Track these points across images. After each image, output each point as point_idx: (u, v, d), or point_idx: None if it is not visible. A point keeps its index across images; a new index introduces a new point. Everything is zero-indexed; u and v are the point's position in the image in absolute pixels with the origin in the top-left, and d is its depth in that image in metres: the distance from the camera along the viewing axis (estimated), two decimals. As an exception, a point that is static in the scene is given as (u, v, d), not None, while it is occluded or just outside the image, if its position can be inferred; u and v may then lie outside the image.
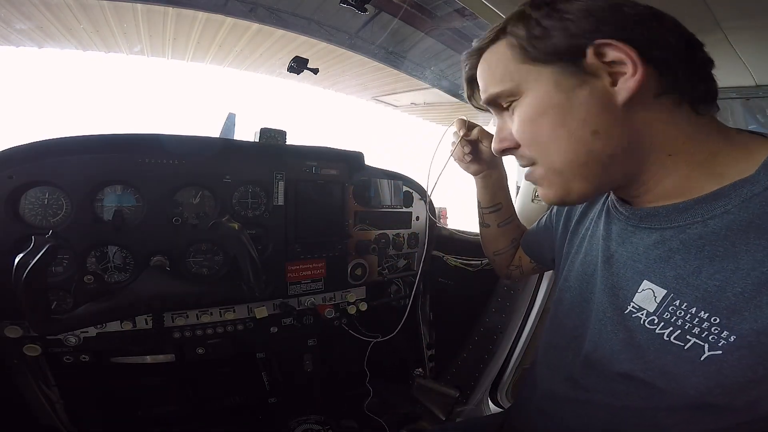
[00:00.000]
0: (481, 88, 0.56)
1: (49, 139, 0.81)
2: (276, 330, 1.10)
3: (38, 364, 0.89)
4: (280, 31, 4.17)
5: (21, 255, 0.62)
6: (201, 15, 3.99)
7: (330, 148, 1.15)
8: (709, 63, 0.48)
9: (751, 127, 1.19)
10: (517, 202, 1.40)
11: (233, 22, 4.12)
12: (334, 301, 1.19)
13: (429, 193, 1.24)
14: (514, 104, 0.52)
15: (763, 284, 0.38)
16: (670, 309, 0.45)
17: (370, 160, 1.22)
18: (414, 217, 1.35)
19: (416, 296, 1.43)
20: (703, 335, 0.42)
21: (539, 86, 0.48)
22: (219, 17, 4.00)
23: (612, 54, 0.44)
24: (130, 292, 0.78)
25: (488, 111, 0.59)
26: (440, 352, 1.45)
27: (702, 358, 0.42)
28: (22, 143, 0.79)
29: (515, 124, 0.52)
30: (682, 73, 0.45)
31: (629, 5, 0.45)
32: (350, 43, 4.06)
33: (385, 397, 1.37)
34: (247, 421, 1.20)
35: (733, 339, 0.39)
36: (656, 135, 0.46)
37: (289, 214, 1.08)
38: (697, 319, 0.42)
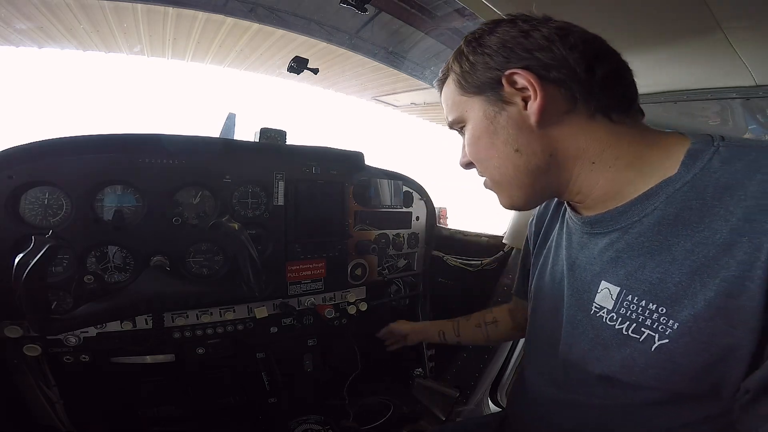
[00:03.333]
0: (446, 116, 0.65)
1: (49, 139, 0.81)
2: (276, 330, 1.10)
3: (38, 364, 0.89)
4: (280, 31, 4.16)
5: (21, 255, 0.63)
6: (201, 15, 3.99)
7: (330, 148, 1.15)
8: (619, 73, 0.52)
9: (750, 128, 1.20)
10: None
11: (233, 22, 4.11)
12: (334, 301, 1.19)
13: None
14: (464, 128, 0.60)
15: (694, 272, 0.42)
16: (624, 304, 0.49)
17: (370, 160, 1.22)
18: (414, 217, 1.35)
19: (416, 296, 1.43)
20: (654, 326, 0.45)
21: (473, 115, 0.56)
22: (219, 17, 3.99)
23: (520, 81, 0.50)
24: (130, 292, 0.78)
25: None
26: (440, 352, 1.45)
27: (653, 348, 0.45)
28: (22, 143, 0.79)
29: (465, 145, 0.61)
30: (580, 90, 0.49)
31: (539, 30, 0.51)
32: (350, 43, 4.06)
33: (385, 397, 1.37)
34: (247, 421, 1.20)
35: (676, 326, 0.43)
36: (575, 146, 0.51)
37: (289, 214, 1.08)
38: (648, 311, 0.46)
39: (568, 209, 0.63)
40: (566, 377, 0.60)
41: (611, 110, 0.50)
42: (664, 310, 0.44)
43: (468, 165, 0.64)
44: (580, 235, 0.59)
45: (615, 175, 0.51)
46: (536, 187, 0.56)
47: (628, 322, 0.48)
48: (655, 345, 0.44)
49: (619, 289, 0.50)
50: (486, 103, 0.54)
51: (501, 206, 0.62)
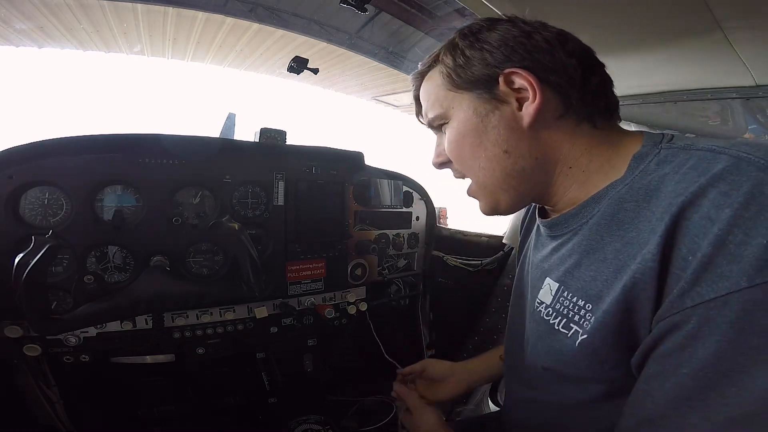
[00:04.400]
0: (423, 111, 0.62)
1: (49, 139, 0.81)
2: (276, 330, 1.10)
3: (38, 364, 0.89)
4: (280, 31, 4.17)
5: (21, 255, 0.63)
6: (201, 15, 3.99)
7: (330, 148, 1.15)
8: (607, 82, 0.54)
9: (750, 128, 1.20)
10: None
11: (233, 22, 4.12)
12: (334, 301, 1.19)
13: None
14: (444, 126, 0.58)
15: (618, 270, 0.43)
16: (560, 300, 0.50)
17: (370, 160, 1.22)
18: (414, 217, 1.35)
19: (416, 296, 1.43)
20: (580, 321, 0.46)
21: (461, 112, 0.54)
22: (219, 17, 4.00)
23: (518, 81, 0.49)
24: (130, 292, 0.78)
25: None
26: (440, 352, 1.45)
27: (576, 343, 0.46)
28: (22, 143, 0.79)
29: (446, 143, 0.58)
30: (576, 96, 0.50)
31: (541, 32, 0.51)
32: (350, 43, 4.06)
33: (386, 397, 1.37)
34: (247, 421, 1.20)
35: (593, 321, 0.45)
36: (559, 151, 0.52)
37: (289, 214, 1.08)
38: (577, 307, 0.47)
39: (537, 212, 0.64)
40: (529, 373, 0.61)
41: (597, 117, 0.52)
42: (590, 307, 0.45)
43: (443, 165, 0.62)
44: (542, 236, 0.61)
45: (585, 179, 0.52)
46: (520, 190, 0.55)
47: (560, 318, 0.49)
48: (578, 340, 0.46)
49: (558, 285, 0.52)
50: (477, 100, 0.53)
51: (481, 213, 0.61)
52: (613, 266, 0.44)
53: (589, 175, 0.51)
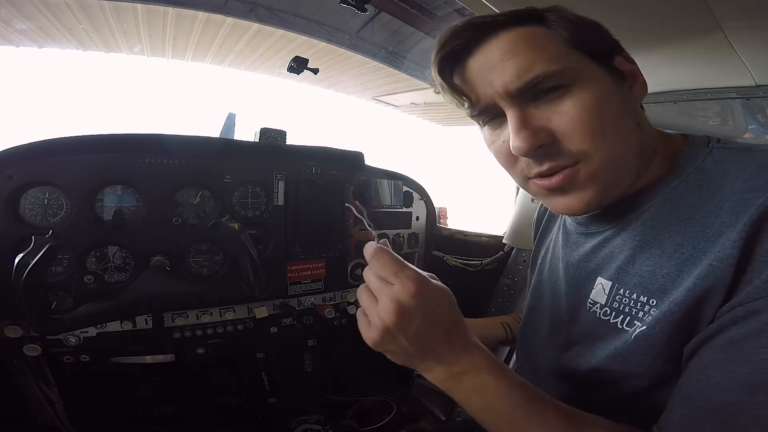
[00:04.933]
0: (516, 66, 0.44)
1: (49, 139, 0.81)
2: (276, 330, 1.10)
3: (38, 364, 0.89)
4: (280, 31, 4.16)
5: (21, 255, 0.63)
6: (201, 15, 3.99)
7: (330, 148, 1.15)
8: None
9: (750, 128, 1.20)
10: (517, 203, 1.40)
11: (233, 22, 4.11)
12: (334, 301, 1.19)
13: None
14: (561, 91, 0.44)
15: (683, 263, 0.42)
16: (617, 298, 0.49)
17: (370, 160, 1.22)
18: (414, 217, 1.35)
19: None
20: (644, 317, 0.45)
21: (596, 76, 0.45)
22: (219, 17, 3.99)
23: (626, 65, 0.49)
24: (131, 292, 0.78)
25: (462, 98, 0.49)
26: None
27: (633, 336, 0.46)
28: (22, 143, 0.79)
29: (569, 113, 0.44)
30: (642, 78, 0.50)
31: (596, 23, 0.50)
32: (350, 43, 4.06)
33: (385, 397, 1.37)
34: (247, 421, 1.20)
35: (655, 313, 0.44)
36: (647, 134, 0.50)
37: (289, 214, 1.08)
38: (639, 303, 0.46)
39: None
40: (559, 375, 0.60)
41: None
42: (654, 302, 0.45)
43: (540, 146, 0.45)
44: (576, 235, 0.59)
45: (641, 170, 0.49)
46: (634, 173, 0.48)
47: (621, 316, 0.48)
48: (635, 333, 0.45)
49: (611, 283, 0.50)
50: (608, 69, 0.47)
51: (576, 208, 0.48)
52: (675, 260, 0.43)
53: (647, 164, 0.50)
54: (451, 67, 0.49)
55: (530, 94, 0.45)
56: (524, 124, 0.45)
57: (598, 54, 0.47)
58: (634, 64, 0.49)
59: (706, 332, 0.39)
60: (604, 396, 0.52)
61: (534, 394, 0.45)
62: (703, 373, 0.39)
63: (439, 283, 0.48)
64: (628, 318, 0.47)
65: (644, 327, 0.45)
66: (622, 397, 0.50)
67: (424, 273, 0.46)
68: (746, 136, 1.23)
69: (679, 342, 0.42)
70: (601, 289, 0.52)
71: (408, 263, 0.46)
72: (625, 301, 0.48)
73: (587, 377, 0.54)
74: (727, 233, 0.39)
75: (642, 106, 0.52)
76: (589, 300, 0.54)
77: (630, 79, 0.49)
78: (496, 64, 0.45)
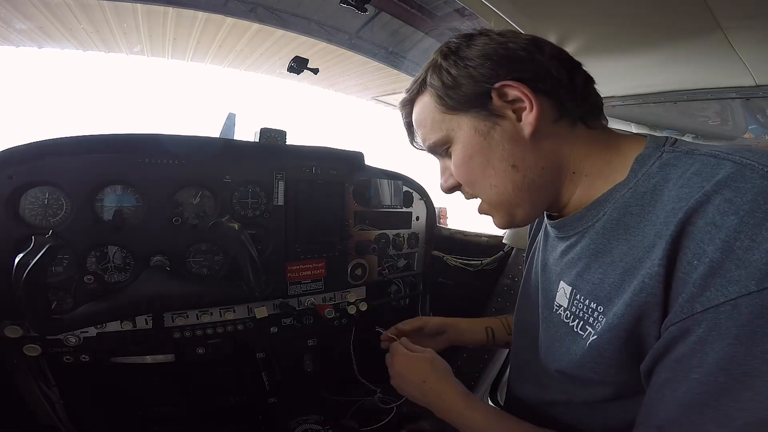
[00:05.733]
0: (420, 138, 0.61)
1: (49, 139, 0.81)
2: (276, 330, 1.10)
3: (38, 364, 0.89)
4: (280, 31, 4.17)
5: (21, 255, 0.62)
6: (201, 15, 3.99)
7: (330, 148, 1.15)
8: (590, 80, 0.54)
9: (751, 128, 1.20)
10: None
11: (233, 22, 4.12)
12: (334, 301, 1.19)
13: None
14: (448, 150, 0.57)
15: (625, 272, 0.43)
16: (575, 303, 0.51)
17: (370, 160, 1.22)
18: (414, 217, 1.35)
19: (416, 296, 1.42)
20: (594, 323, 0.47)
21: (462, 133, 0.54)
22: (219, 17, 4.00)
23: (511, 93, 0.49)
24: (130, 292, 0.78)
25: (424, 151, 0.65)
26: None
27: (587, 345, 0.47)
28: (22, 143, 0.79)
29: (453, 167, 0.57)
30: (568, 98, 0.51)
31: (514, 41, 0.51)
32: (350, 43, 4.06)
33: (386, 397, 1.37)
34: (247, 421, 1.20)
35: (603, 322, 0.45)
36: (561, 157, 0.52)
37: (289, 214, 1.08)
38: (590, 309, 0.48)
39: (545, 213, 0.64)
40: (542, 375, 0.61)
41: (588, 117, 0.52)
42: (602, 309, 0.46)
43: (453, 189, 0.62)
44: (552, 238, 0.61)
45: (589, 183, 0.52)
46: (533, 202, 0.55)
47: (577, 320, 0.50)
48: (589, 341, 0.47)
49: (571, 288, 0.52)
50: (475, 119, 0.52)
51: (497, 227, 0.61)
52: (620, 269, 0.44)
53: (592, 179, 0.52)
54: (411, 130, 0.65)
55: (437, 152, 0.60)
56: (442, 171, 0.63)
57: (469, 103, 0.52)
58: (521, 87, 0.48)
59: (655, 350, 0.40)
60: (578, 399, 0.54)
61: (495, 416, 0.61)
62: (658, 391, 0.39)
63: (421, 355, 0.76)
64: (582, 322, 0.49)
65: (595, 336, 0.46)
66: (594, 403, 0.51)
67: (415, 350, 0.79)
68: (746, 136, 1.23)
69: (628, 355, 0.43)
70: (563, 293, 0.54)
71: (403, 349, 0.78)
72: (581, 306, 0.50)
73: (558, 379, 0.56)
74: (658, 246, 0.39)
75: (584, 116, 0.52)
76: (556, 302, 0.56)
77: (517, 107, 0.50)
78: (417, 133, 0.62)
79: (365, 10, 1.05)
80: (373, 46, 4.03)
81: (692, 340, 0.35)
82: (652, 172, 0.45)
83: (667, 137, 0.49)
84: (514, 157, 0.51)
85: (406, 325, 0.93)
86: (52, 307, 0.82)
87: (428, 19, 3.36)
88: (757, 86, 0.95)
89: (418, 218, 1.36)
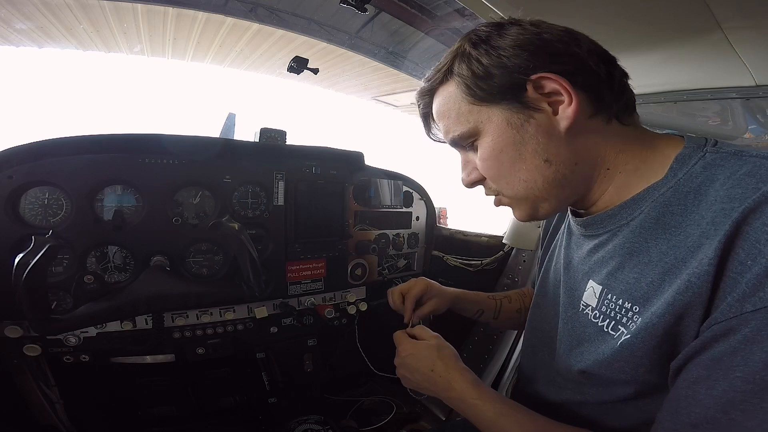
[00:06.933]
0: (442, 129, 0.59)
1: (49, 139, 0.81)
2: (276, 330, 1.10)
3: (38, 364, 0.89)
4: (280, 31, 4.16)
5: (21, 255, 0.62)
6: (201, 15, 3.99)
7: (330, 148, 1.15)
8: (625, 75, 0.52)
9: (751, 128, 1.20)
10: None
11: (233, 22, 4.11)
12: (334, 301, 1.19)
13: None
14: (475, 141, 0.55)
15: (666, 272, 0.43)
16: (605, 302, 0.50)
17: (370, 160, 1.22)
18: (414, 217, 1.35)
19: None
20: (627, 323, 0.46)
21: (493, 126, 0.51)
22: (219, 17, 3.99)
23: (549, 86, 0.48)
24: (131, 292, 0.78)
25: (443, 143, 0.63)
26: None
27: (618, 344, 0.46)
28: (22, 143, 0.79)
29: (479, 161, 0.55)
30: (607, 92, 0.49)
31: (549, 31, 0.49)
32: (350, 43, 4.06)
33: (385, 397, 1.37)
34: (247, 421, 1.20)
35: (639, 322, 0.44)
36: (595, 153, 0.51)
37: (289, 214, 1.08)
38: (624, 309, 0.47)
39: (569, 210, 0.63)
40: (557, 374, 0.60)
41: (623, 113, 0.51)
42: (637, 309, 0.45)
43: (475, 183, 0.59)
44: (577, 235, 0.60)
45: (623, 181, 0.51)
46: (561, 197, 0.53)
47: (608, 320, 0.49)
48: (620, 341, 0.46)
49: (601, 287, 0.51)
50: (508, 111, 0.50)
51: (518, 219, 0.59)
52: (659, 269, 0.43)
53: (627, 176, 0.50)
54: (428, 122, 0.63)
55: (460, 145, 0.58)
56: (464, 165, 0.60)
57: (501, 95, 0.50)
58: (560, 80, 0.47)
59: (692, 348, 0.40)
60: (594, 399, 0.53)
61: (506, 409, 0.58)
62: (690, 389, 0.39)
63: (426, 342, 0.73)
64: (614, 323, 0.48)
65: (628, 335, 0.45)
66: (610, 403, 0.51)
67: (420, 336, 0.75)
68: (746, 136, 1.23)
69: (660, 355, 0.43)
70: (592, 292, 0.53)
71: (409, 338, 0.76)
72: (612, 306, 0.48)
73: (577, 379, 0.55)
74: (706, 246, 0.39)
75: (622, 111, 0.51)
76: (582, 302, 0.55)
77: (553, 101, 0.48)
78: (437, 124, 0.60)
79: (365, 10, 1.05)
80: (373, 46, 4.03)
81: (737, 339, 0.35)
82: (695, 172, 0.44)
83: (706, 138, 0.48)
84: (548, 152, 0.50)
85: (415, 290, 0.88)
86: (52, 307, 0.82)
87: (428, 19, 3.36)
88: (757, 86, 0.95)
89: (418, 218, 1.36)
